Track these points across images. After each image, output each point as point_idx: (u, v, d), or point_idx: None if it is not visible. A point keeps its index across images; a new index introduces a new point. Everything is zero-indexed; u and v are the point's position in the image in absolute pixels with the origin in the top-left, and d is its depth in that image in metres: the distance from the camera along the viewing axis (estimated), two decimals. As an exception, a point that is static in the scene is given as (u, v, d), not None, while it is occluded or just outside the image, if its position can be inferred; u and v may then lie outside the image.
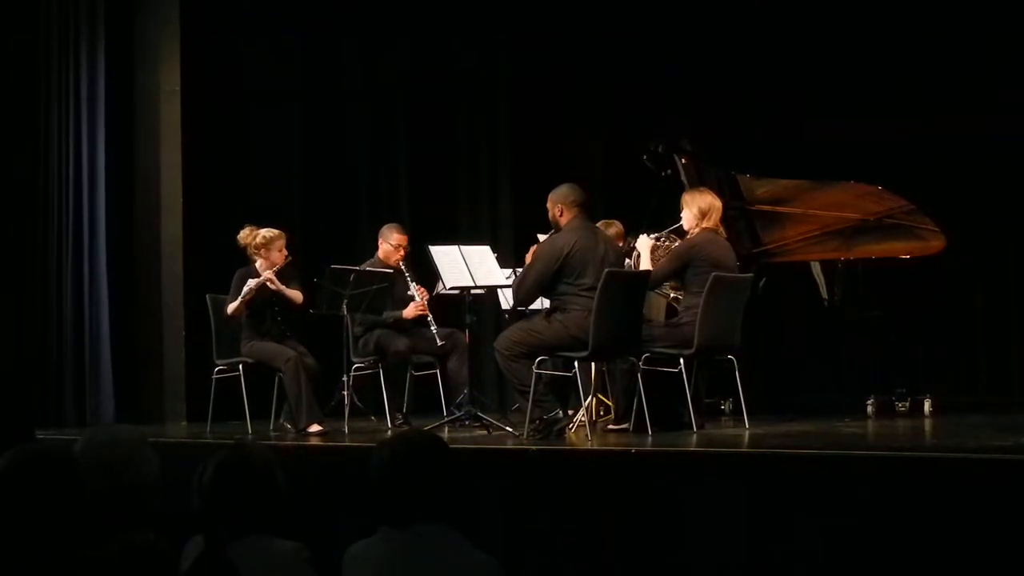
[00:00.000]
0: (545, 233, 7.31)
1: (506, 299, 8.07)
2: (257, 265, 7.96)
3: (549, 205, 7.10)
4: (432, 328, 8.13)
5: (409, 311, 8.18)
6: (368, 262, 8.25)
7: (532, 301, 7.36)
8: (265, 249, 7.93)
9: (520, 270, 7.33)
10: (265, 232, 7.97)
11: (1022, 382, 8.77)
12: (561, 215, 7.06)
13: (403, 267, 8.24)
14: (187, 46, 9.37)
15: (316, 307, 7.85)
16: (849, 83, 9.07)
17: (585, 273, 6.88)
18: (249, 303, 7.85)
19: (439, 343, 8.09)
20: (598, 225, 7.47)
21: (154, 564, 2.60)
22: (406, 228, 8.56)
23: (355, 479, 3.31)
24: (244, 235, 8.00)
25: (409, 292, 8.21)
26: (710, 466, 5.80)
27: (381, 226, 8.55)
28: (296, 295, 7.96)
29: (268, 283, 7.85)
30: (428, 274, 8.10)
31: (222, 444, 3.35)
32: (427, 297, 8.20)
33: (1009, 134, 8.53)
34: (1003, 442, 5.97)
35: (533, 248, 7.23)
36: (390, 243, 8.33)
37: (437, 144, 10.30)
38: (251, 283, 7.83)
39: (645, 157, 8.61)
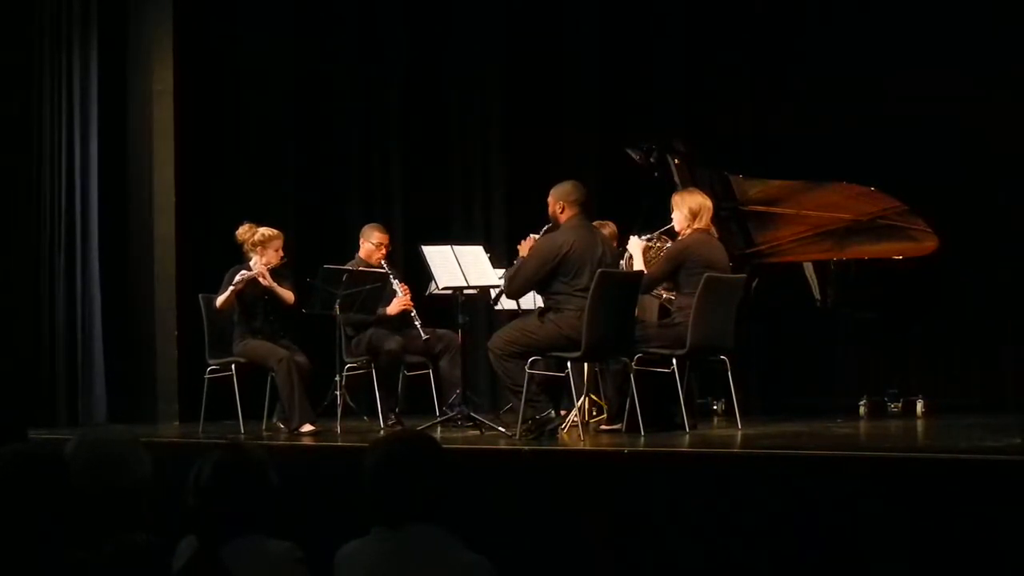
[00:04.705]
0: (538, 233, 7.27)
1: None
2: (251, 263, 7.94)
3: (550, 200, 7.09)
4: (416, 323, 8.13)
5: (393, 307, 8.18)
6: (350, 262, 8.25)
7: (523, 295, 7.36)
8: (262, 247, 7.92)
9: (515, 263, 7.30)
10: (264, 230, 7.96)
11: (1014, 383, 8.76)
12: (562, 211, 7.05)
13: (385, 265, 8.25)
14: (180, 46, 9.35)
15: (309, 307, 7.84)
16: (846, 82, 9.05)
17: (582, 273, 6.87)
18: (239, 295, 7.84)
19: (423, 336, 8.10)
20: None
21: (147, 565, 2.60)
22: (392, 227, 8.55)
23: (348, 479, 3.30)
24: (243, 231, 7.99)
25: (393, 288, 8.21)
26: (703, 467, 5.80)
27: (372, 226, 8.56)
28: (287, 294, 7.95)
29: (260, 278, 7.84)
30: (420, 274, 8.09)
31: (215, 444, 3.34)
32: (409, 293, 8.20)
33: (1005, 134, 8.53)
34: (995, 443, 5.98)
35: (527, 240, 7.20)
36: (371, 242, 8.34)
37: (430, 144, 10.30)
38: (243, 274, 7.82)
39: (629, 151, 8.57)
